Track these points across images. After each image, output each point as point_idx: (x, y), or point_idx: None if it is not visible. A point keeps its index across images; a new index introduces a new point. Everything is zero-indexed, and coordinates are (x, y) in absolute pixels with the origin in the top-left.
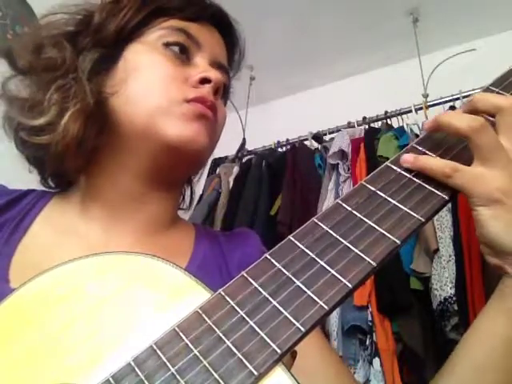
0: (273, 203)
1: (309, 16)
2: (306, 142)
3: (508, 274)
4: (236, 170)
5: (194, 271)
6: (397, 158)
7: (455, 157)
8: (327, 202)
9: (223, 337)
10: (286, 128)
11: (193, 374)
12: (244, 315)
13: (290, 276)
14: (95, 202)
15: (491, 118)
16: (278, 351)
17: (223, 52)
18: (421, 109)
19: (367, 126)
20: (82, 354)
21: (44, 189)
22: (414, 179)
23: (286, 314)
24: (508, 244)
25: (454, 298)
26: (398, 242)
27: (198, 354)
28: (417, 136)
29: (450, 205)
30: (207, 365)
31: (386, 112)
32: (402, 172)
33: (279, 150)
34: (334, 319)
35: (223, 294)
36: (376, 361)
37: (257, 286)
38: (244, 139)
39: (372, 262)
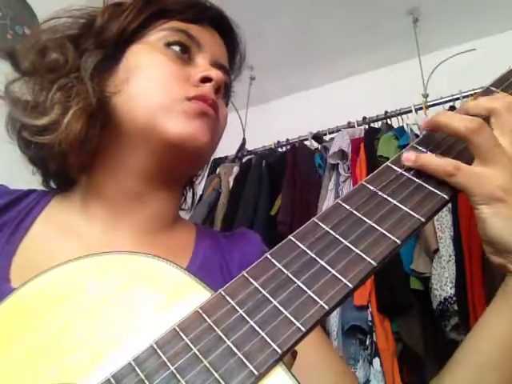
0: (273, 203)
1: (309, 16)
2: (306, 142)
3: (511, 273)
4: (236, 169)
5: (195, 271)
6: (397, 157)
7: (456, 156)
8: (327, 201)
9: (223, 336)
10: (286, 128)
11: (193, 374)
12: (244, 315)
13: (291, 276)
14: (96, 202)
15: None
16: (279, 351)
17: (224, 54)
18: (421, 109)
19: (367, 126)
20: (83, 353)
21: (45, 189)
22: (415, 179)
23: (286, 313)
24: (511, 242)
25: (454, 298)
26: (398, 241)
27: (198, 353)
28: (417, 136)
29: (450, 205)
30: (207, 364)
31: (386, 112)
32: (403, 172)
33: (279, 149)
34: (334, 319)
35: (223, 293)
36: (376, 361)
37: (257, 285)
38: (244, 139)
39: (372, 262)
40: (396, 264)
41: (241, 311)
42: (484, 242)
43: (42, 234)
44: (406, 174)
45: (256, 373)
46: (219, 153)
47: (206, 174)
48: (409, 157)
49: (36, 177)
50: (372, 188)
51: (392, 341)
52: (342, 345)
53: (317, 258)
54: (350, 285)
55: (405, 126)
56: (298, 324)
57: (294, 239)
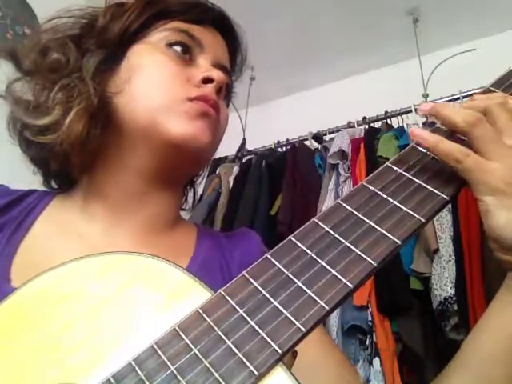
0: (273, 203)
1: (309, 16)
2: (306, 142)
3: None
4: (236, 169)
5: (195, 271)
6: (397, 158)
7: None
8: (327, 201)
9: (224, 336)
10: (286, 128)
11: (193, 374)
12: (244, 315)
13: (291, 276)
14: (97, 202)
15: None
16: (279, 351)
17: (225, 54)
18: None
19: (367, 126)
20: (83, 353)
21: (46, 190)
22: (415, 179)
23: (286, 313)
24: None
25: (454, 298)
26: (398, 242)
27: (198, 353)
28: None
29: (450, 205)
30: (208, 365)
31: (386, 112)
32: (403, 172)
33: (279, 150)
34: (334, 319)
35: (224, 293)
36: (376, 361)
37: (257, 285)
38: (244, 139)
39: (372, 262)
40: (396, 264)
41: (241, 311)
42: (489, 238)
43: (42, 233)
44: (407, 174)
45: (256, 373)
46: (219, 153)
47: (206, 174)
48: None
49: (37, 177)
50: (372, 188)
51: (392, 341)
52: (342, 345)
53: (317, 258)
54: (350, 285)
55: (405, 126)
56: (298, 324)
57: (294, 239)
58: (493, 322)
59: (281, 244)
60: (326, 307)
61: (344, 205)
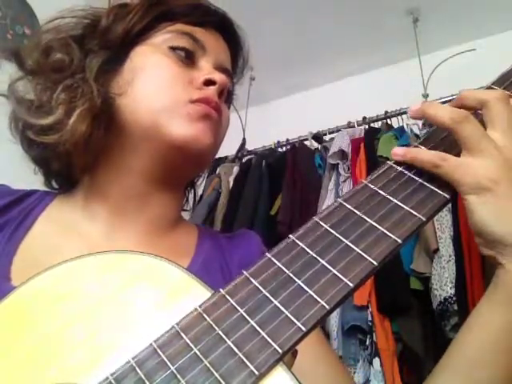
0: (273, 203)
1: (308, 16)
2: (306, 142)
3: (500, 265)
4: (236, 169)
5: (196, 271)
6: None
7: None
8: (327, 201)
9: (224, 336)
10: (286, 128)
11: (193, 374)
12: (245, 314)
13: (291, 275)
14: (99, 202)
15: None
16: (279, 351)
17: (227, 57)
18: None
19: (367, 126)
20: (83, 353)
21: (47, 190)
22: (416, 178)
23: (286, 313)
24: (498, 231)
25: (454, 298)
26: (399, 241)
27: (198, 353)
28: (417, 136)
29: (449, 205)
30: (208, 364)
31: (386, 112)
32: (403, 171)
33: (279, 150)
34: (334, 319)
35: (224, 292)
36: (376, 361)
37: (257, 285)
38: (244, 139)
39: (373, 262)
40: (396, 264)
41: (241, 311)
42: (475, 233)
43: (43, 233)
44: (407, 173)
45: (257, 373)
46: (219, 153)
47: (206, 175)
48: (397, 151)
49: (38, 177)
50: (373, 187)
51: (392, 341)
52: (341, 345)
53: (317, 258)
54: (351, 284)
55: (405, 126)
56: (298, 324)
57: (294, 238)
58: (476, 325)
59: (281, 243)
60: (327, 307)
61: (345, 204)
